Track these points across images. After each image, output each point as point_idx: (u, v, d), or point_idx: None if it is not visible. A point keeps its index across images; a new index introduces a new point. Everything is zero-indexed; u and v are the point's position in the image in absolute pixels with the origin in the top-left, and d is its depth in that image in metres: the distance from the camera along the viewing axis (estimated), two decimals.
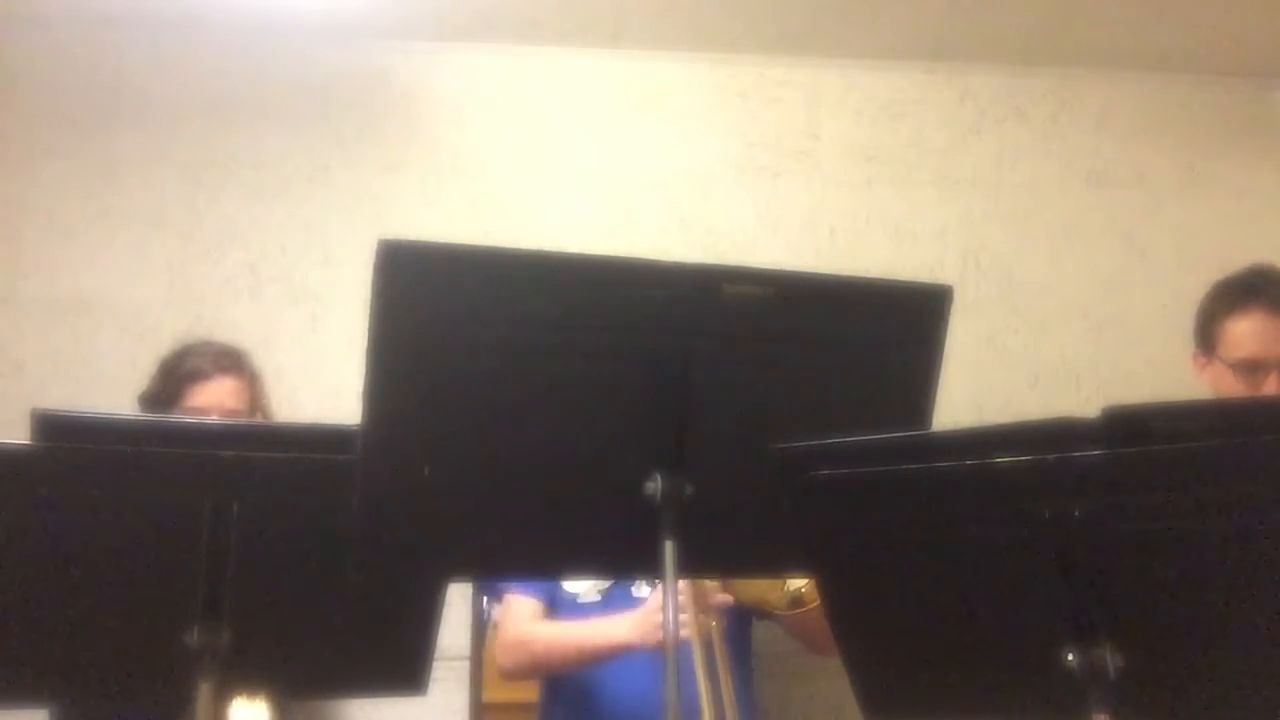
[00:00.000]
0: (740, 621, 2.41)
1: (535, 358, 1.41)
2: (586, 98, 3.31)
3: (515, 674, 2.45)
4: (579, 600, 2.39)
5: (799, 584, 2.27)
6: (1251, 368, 2.25)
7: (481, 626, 2.88)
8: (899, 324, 1.52)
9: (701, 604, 2.19)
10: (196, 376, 2.40)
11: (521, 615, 2.38)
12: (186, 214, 3.12)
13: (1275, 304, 2.28)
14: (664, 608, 1.42)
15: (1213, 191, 3.44)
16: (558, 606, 2.40)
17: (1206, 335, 2.36)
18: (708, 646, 2.17)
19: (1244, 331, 2.28)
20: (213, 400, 2.39)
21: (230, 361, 2.44)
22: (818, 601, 2.19)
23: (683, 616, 2.11)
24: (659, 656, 2.16)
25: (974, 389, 3.11)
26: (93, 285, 3.06)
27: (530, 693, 2.60)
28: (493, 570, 1.93)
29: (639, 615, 2.24)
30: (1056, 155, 3.43)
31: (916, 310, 1.53)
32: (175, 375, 2.42)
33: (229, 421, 2.28)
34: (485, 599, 2.84)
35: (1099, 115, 3.45)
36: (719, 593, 2.25)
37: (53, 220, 3.08)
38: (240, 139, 3.16)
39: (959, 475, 1.26)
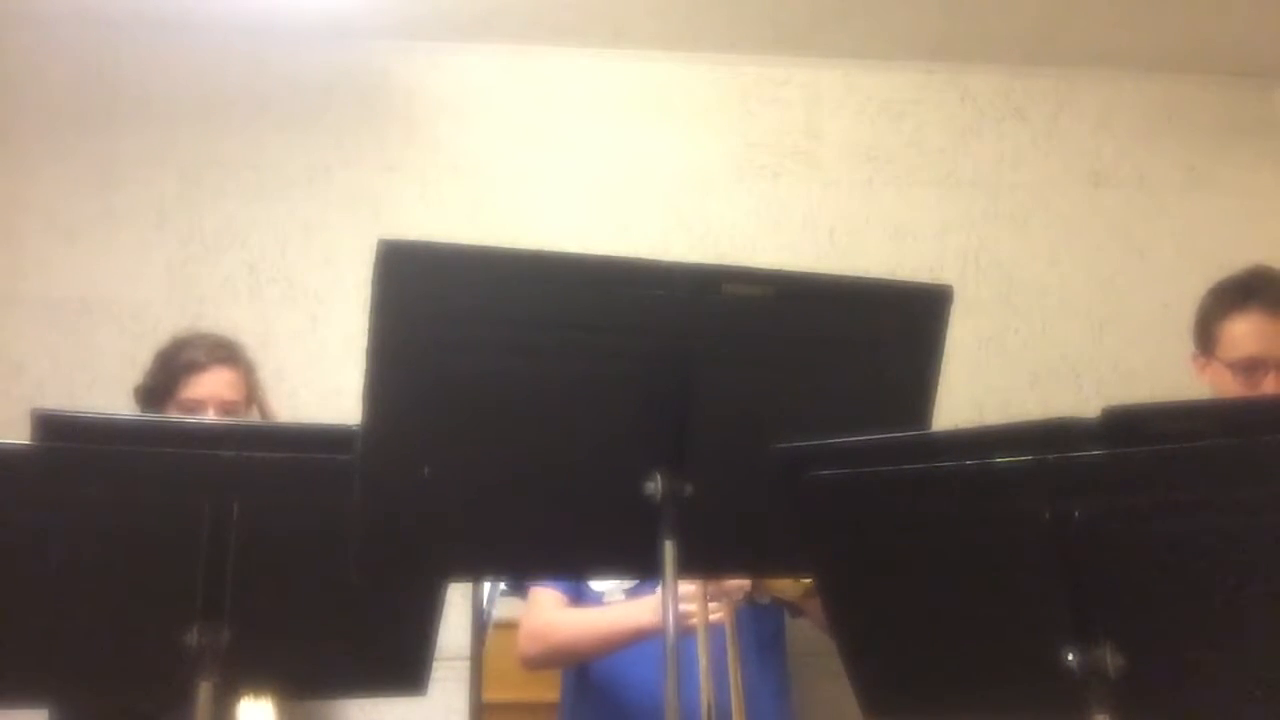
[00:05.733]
0: (768, 620, 2.39)
1: (535, 358, 1.41)
2: (586, 97, 3.31)
3: (537, 662, 2.44)
4: (605, 599, 2.38)
5: None
6: (1250, 367, 2.27)
7: (481, 626, 2.87)
8: (899, 324, 1.52)
9: (715, 592, 2.18)
10: (192, 368, 2.40)
11: (545, 605, 2.38)
12: (186, 214, 3.13)
13: (1273, 304, 2.30)
14: (664, 608, 1.42)
15: (1213, 191, 3.44)
16: (583, 600, 2.40)
17: (1205, 336, 2.37)
18: (717, 639, 2.16)
19: (1242, 332, 2.30)
20: (208, 391, 2.39)
21: (225, 353, 2.44)
22: None
23: (690, 607, 2.10)
24: (682, 651, 2.18)
25: (974, 389, 3.11)
26: (93, 285, 3.06)
27: (533, 692, 2.59)
28: (493, 570, 1.93)
29: (658, 598, 2.22)
30: (1056, 155, 3.43)
31: (916, 310, 1.53)
32: (171, 367, 2.41)
33: (228, 421, 2.28)
34: (485, 600, 2.83)
35: (1099, 115, 3.45)
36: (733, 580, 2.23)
37: (53, 220, 3.08)
38: (240, 139, 3.16)
39: (959, 475, 1.26)
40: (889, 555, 1.37)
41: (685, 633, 2.21)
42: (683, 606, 2.24)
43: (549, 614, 2.38)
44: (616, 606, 2.32)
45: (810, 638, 2.48)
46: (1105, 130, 3.45)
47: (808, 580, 2.23)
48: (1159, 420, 1.18)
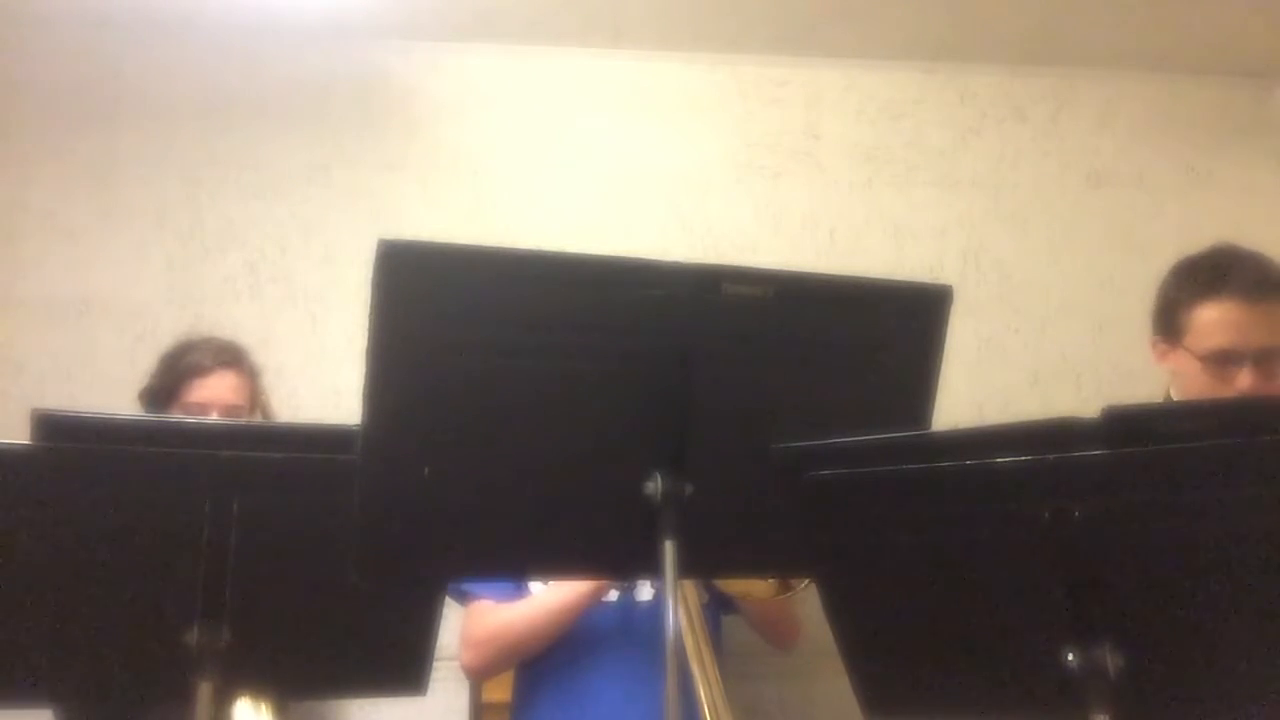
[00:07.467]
0: (705, 618, 2.38)
1: (535, 357, 1.41)
2: (586, 98, 3.31)
3: (491, 668, 2.42)
4: None
5: None
6: (1222, 360, 2.08)
7: None
8: (899, 324, 1.52)
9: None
10: (197, 371, 2.41)
11: (484, 613, 2.35)
12: (186, 214, 3.12)
13: (1248, 290, 2.10)
14: (664, 607, 1.42)
15: (1213, 191, 3.44)
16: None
17: (1170, 322, 2.18)
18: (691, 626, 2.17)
19: (1215, 320, 2.10)
20: (213, 395, 2.40)
21: (231, 356, 2.45)
22: (799, 587, 2.21)
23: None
24: (638, 650, 2.18)
25: (974, 389, 3.11)
26: (93, 285, 3.06)
27: None
28: (493, 570, 1.93)
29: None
30: (1056, 155, 3.43)
31: (916, 310, 1.53)
32: (176, 370, 2.42)
33: (229, 421, 2.28)
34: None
35: (1099, 115, 3.45)
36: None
37: (53, 220, 3.08)
38: (240, 139, 3.16)
39: (959, 475, 1.26)
40: (889, 555, 1.37)
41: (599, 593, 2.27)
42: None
43: (485, 620, 2.35)
44: (550, 590, 2.30)
45: (746, 639, 2.50)
46: (1105, 130, 3.45)
47: (773, 581, 2.23)
48: (1159, 420, 1.18)
